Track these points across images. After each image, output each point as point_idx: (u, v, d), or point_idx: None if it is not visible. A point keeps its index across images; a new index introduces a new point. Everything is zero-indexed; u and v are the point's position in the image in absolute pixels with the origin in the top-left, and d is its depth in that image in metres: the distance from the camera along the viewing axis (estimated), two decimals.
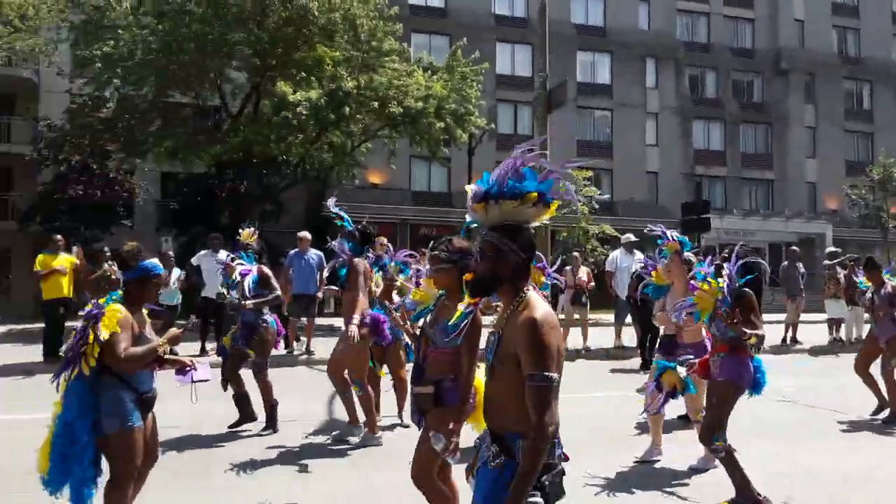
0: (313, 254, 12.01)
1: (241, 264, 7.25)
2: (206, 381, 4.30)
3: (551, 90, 14.50)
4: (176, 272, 12.47)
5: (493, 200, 2.62)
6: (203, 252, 12.50)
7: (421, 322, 4.52)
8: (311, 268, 11.85)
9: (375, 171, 27.49)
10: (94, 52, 18.06)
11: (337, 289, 6.98)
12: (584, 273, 13.35)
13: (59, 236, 11.80)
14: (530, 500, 2.43)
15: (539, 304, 2.57)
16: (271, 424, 7.08)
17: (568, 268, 13.20)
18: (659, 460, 6.10)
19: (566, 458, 2.63)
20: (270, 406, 7.12)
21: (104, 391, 3.77)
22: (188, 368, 4.18)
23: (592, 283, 13.34)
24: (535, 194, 2.60)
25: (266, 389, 7.10)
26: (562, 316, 14.31)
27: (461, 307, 3.70)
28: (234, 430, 7.02)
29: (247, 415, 7.08)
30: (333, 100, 18.03)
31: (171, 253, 13.65)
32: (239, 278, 7.12)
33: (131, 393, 3.83)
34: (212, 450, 6.43)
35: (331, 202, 6.74)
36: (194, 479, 5.58)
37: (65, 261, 11.30)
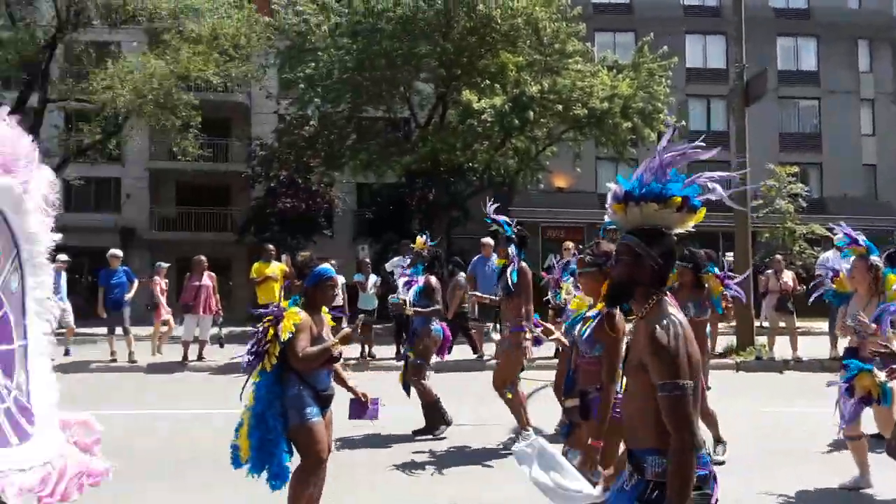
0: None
1: (406, 274, 7.44)
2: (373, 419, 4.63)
3: (749, 81, 13.51)
4: (373, 278, 13.13)
5: (634, 202, 2.47)
6: (396, 259, 13.04)
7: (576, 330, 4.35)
8: (494, 273, 11.91)
9: (560, 175, 27.22)
10: (297, 74, 19.65)
11: (484, 295, 7.12)
12: (788, 277, 12.32)
13: (270, 246, 12.91)
14: None
15: (666, 310, 2.42)
16: (430, 429, 7.08)
17: (769, 272, 12.22)
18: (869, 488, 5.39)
19: (714, 478, 2.40)
20: (431, 409, 7.10)
21: (288, 387, 4.09)
22: (369, 407, 4.53)
23: (800, 288, 12.26)
24: (680, 199, 2.43)
25: (423, 393, 7.11)
26: (765, 323, 13.31)
27: (591, 314, 3.54)
28: (419, 435, 7.08)
29: (437, 420, 7.11)
30: (517, 105, 18.11)
31: (367, 260, 14.36)
32: (403, 286, 7.29)
33: (310, 390, 4.12)
34: (387, 449, 6.60)
35: (490, 209, 6.72)
36: (366, 476, 5.75)
37: (276, 269, 12.31)
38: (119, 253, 12.61)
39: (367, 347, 12.73)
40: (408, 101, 21.51)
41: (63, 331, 12.26)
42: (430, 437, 7.08)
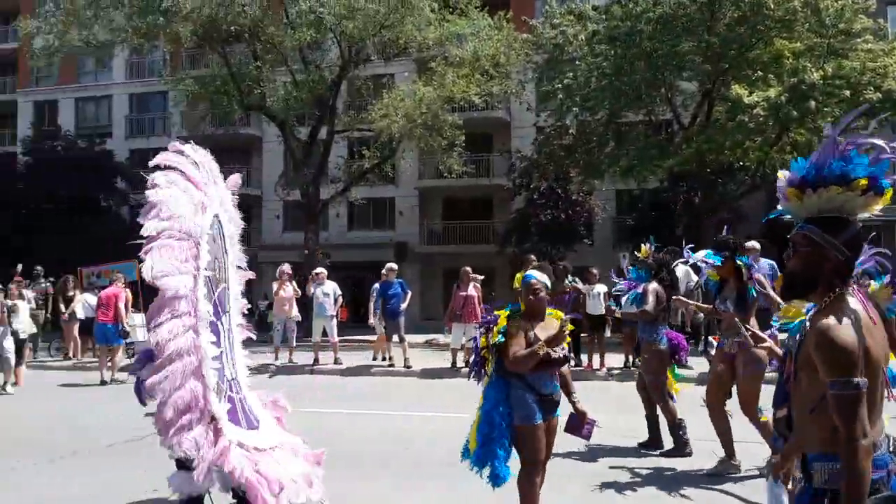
0: (765, 263, 11.07)
1: (630, 280, 7.31)
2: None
3: None
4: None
5: (811, 188, 2.25)
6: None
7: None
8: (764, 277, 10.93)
9: None
10: (555, 85, 19.83)
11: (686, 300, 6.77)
12: None
13: (532, 256, 13.06)
14: None
15: (845, 305, 2.24)
16: (677, 450, 6.62)
17: None
18: None
19: None
20: (671, 428, 6.66)
21: (512, 390, 4.22)
22: (586, 425, 4.47)
23: None
24: (865, 180, 2.20)
25: (659, 410, 6.79)
26: None
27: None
28: (644, 449, 6.81)
29: (677, 442, 6.68)
30: (796, 95, 16.47)
31: (629, 268, 13.94)
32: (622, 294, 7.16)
33: (533, 393, 4.20)
34: (589, 464, 6.35)
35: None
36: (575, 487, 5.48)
37: None
38: (395, 266, 13.59)
39: (630, 357, 12.39)
40: (669, 101, 20.64)
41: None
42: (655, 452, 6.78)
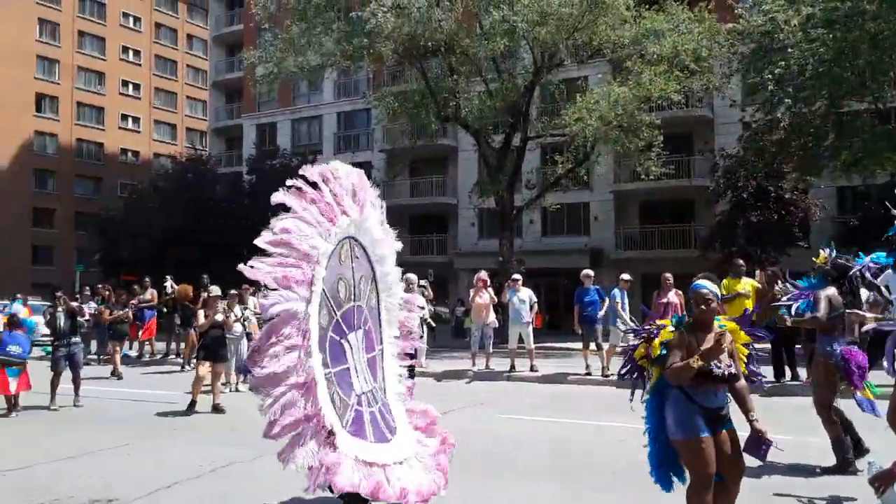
0: None
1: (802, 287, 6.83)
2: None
3: None
4: (864, 293, 11.40)
5: None
6: (889, 272, 11.04)
7: None
8: None
9: None
10: (764, 76, 18.41)
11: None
12: None
13: (740, 261, 12.16)
14: None
15: None
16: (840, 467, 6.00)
17: None
18: None
19: None
20: (834, 444, 6.09)
21: (674, 403, 4.11)
22: (763, 445, 4.10)
23: None
24: None
25: (829, 429, 6.13)
26: None
27: None
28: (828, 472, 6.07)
29: (843, 461, 6.04)
30: None
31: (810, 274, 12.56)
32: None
33: (697, 406, 4.04)
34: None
35: None
36: None
37: (747, 284, 11.54)
38: (591, 273, 13.28)
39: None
40: None
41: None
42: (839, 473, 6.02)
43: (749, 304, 11.28)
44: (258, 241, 4.22)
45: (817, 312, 6.19)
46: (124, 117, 54.26)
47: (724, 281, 11.71)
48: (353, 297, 4.75)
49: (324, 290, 4.41)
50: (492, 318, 13.72)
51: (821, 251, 7.01)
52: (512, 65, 23.01)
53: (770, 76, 18.09)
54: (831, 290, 6.37)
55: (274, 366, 4.07)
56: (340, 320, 4.59)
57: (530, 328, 13.39)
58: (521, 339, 13.39)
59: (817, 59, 17.38)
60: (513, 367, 13.30)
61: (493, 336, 13.94)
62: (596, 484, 5.95)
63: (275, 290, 4.15)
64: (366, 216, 4.96)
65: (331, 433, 4.16)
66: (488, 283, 13.88)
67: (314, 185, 4.58)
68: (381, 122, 28.48)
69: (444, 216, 34.52)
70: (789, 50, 18.01)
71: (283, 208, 4.38)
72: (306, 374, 4.17)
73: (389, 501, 4.33)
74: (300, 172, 4.61)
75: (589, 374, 12.71)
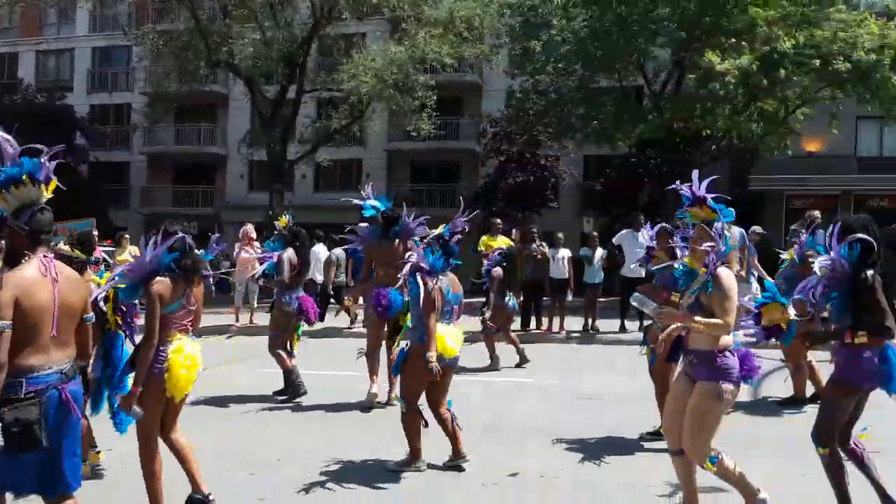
0: (736, 231, 11.22)
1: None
2: None
3: None
4: (599, 252, 12.91)
5: None
6: (624, 231, 12.59)
7: None
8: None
9: (812, 138, 24.40)
10: (530, 48, 19.68)
11: None
12: None
13: (497, 220, 13.11)
14: None
15: None
16: None
17: None
18: None
19: None
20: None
21: None
22: None
23: None
24: None
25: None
26: None
27: None
28: None
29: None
30: (766, 64, 16.57)
31: (594, 233, 14.10)
32: None
33: None
34: None
35: (367, 191, 7.65)
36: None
37: (502, 242, 12.48)
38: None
39: (590, 321, 12.57)
40: (641, 68, 20.62)
41: None
42: None
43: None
44: None
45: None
46: None
47: (483, 238, 12.58)
48: None
49: None
50: (258, 273, 13.40)
51: (282, 216, 8.50)
52: (290, 14, 22.27)
53: (534, 49, 19.43)
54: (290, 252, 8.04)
55: None
56: None
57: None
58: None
59: (575, 36, 18.92)
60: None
61: (257, 291, 13.67)
62: None
63: None
64: None
65: None
66: (255, 237, 13.47)
67: None
68: (144, 62, 26.18)
69: (212, 166, 32.81)
70: (553, 22, 19.45)
71: None
72: None
73: None
74: None
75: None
